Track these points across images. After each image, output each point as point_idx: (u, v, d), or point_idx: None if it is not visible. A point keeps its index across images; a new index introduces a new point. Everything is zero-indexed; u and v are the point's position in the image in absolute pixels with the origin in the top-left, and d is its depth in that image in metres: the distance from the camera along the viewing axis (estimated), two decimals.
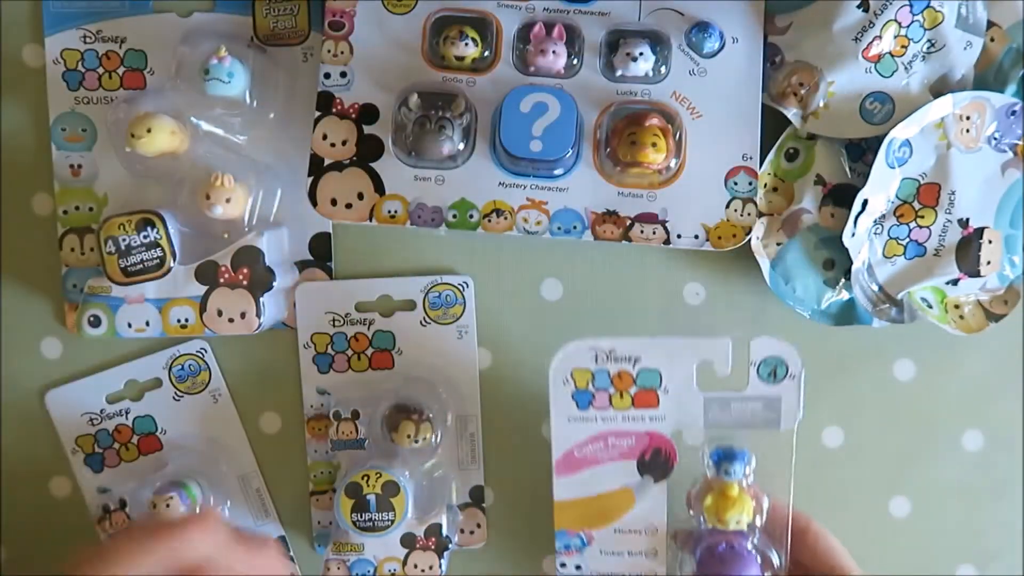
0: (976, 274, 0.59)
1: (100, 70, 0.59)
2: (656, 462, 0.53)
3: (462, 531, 0.62)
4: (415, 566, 0.59)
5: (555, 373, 0.52)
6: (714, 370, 0.51)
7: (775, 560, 0.54)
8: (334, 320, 0.61)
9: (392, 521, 0.57)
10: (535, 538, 0.63)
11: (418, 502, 0.58)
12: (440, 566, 0.59)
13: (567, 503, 0.54)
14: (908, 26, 0.56)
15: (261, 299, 0.58)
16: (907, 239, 0.59)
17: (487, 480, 0.63)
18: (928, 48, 0.57)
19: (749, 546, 0.54)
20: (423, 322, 0.61)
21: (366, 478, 0.57)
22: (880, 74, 0.56)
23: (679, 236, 0.56)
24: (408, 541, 0.59)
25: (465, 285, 0.61)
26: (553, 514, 0.54)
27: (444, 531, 0.59)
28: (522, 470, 0.63)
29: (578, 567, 0.55)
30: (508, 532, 0.63)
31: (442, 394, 0.61)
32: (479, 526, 0.62)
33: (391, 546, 0.59)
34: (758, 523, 0.54)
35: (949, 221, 0.58)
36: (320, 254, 0.61)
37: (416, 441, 0.58)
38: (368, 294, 0.61)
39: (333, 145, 0.56)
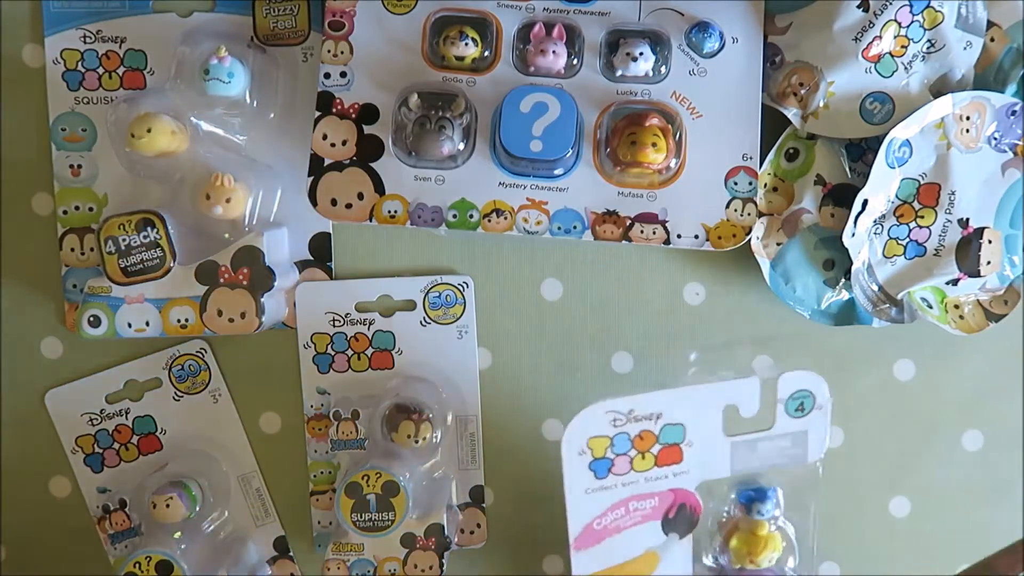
0: (976, 274, 0.59)
1: (100, 70, 0.59)
2: (681, 518, 0.51)
3: (462, 531, 0.62)
4: (415, 566, 0.59)
5: (569, 444, 0.48)
6: (740, 413, 0.49)
7: None
8: (334, 320, 0.61)
9: (392, 521, 0.57)
10: (535, 538, 0.63)
11: (418, 502, 0.58)
12: (440, 566, 0.59)
13: None
14: (908, 26, 0.56)
15: (261, 299, 0.58)
16: (907, 239, 0.59)
17: (487, 480, 0.63)
18: (928, 48, 0.57)
19: None
20: (423, 322, 0.61)
21: (366, 478, 0.57)
22: (880, 74, 0.56)
23: (679, 236, 0.56)
24: (408, 541, 0.59)
25: (465, 285, 0.61)
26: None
27: (444, 531, 0.59)
28: (522, 470, 0.63)
29: None
30: (508, 532, 0.63)
31: (442, 394, 0.61)
32: (479, 526, 0.62)
33: (391, 546, 0.59)
34: (790, 563, 0.53)
35: (949, 221, 0.58)
36: (320, 254, 0.61)
37: (416, 441, 0.58)
38: (368, 294, 0.61)
39: (333, 145, 0.56)
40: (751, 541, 0.52)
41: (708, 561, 0.54)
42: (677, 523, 0.51)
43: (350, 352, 0.61)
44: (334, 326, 0.61)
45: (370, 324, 0.61)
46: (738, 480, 0.52)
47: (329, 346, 0.61)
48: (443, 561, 0.59)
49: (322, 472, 0.62)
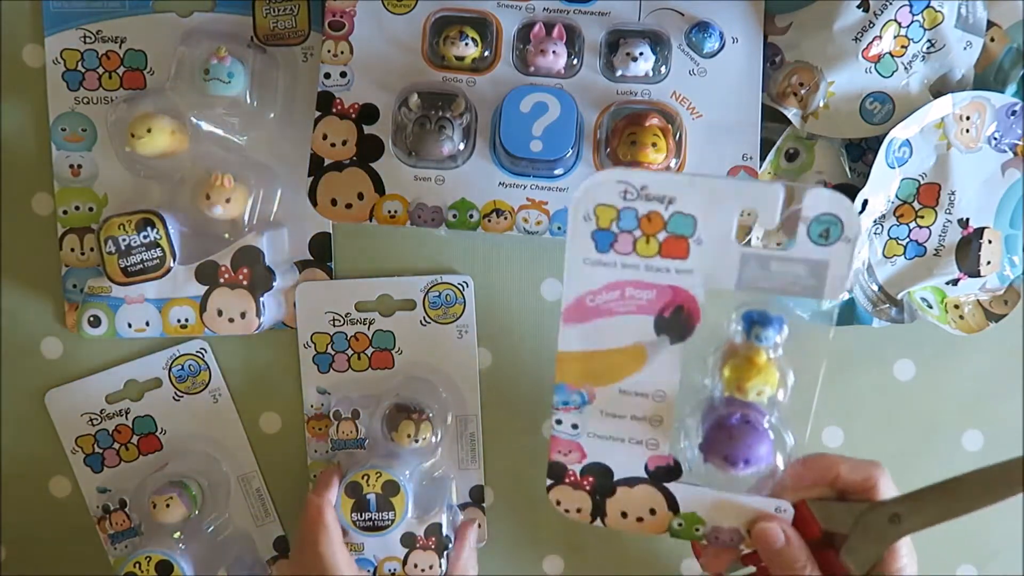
0: (976, 274, 0.59)
1: (100, 70, 0.59)
2: (677, 321, 0.47)
3: None
4: (415, 565, 0.59)
5: (576, 207, 0.45)
6: (757, 221, 0.45)
7: (789, 442, 0.49)
8: (334, 320, 0.61)
9: (392, 520, 0.57)
10: (535, 538, 0.63)
11: (418, 501, 0.58)
12: (440, 565, 0.59)
13: (571, 355, 0.48)
14: (908, 26, 0.56)
15: (261, 299, 0.58)
16: (907, 239, 0.59)
17: (487, 480, 0.63)
18: (928, 48, 0.57)
19: (765, 423, 0.49)
20: (423, 322, 0.61)
21: (366, 477, 0.57)
22: (880, 74, 0.56)
23: None
24: (408, 540, 0.59)
25: (465, 285, 0.61)
26: (555, 374, 0.49)
27: (444, 531, 0.59)
28: (522, 470, 0.63)
29: (575, 426, 0.50)
30: (508, 532, 0.63)
31: (442, 394, 0.61)
32: (479, 526, 0.62)
33: (391, 545, 0.59)
34: (780, 398, 0.49)
35: (949, 221, 0.58)
36: (320, 254, 0.61)
37: (416, 441, 0.58)
38: (368, 294, 0.61)
39: (333, 145, 0.56)
40: (743, 367, 0.48)
41: (699, 380, 0.50)
42: (672, 325, 0.47)
43: (350, 352, 0.61)
44: (334, 326, 0.61)
45: (370, 324, 0.61)
46: (742, 302, 0.48)
47: (329, 346, 0.61)
48: (443, 561, 0.59)
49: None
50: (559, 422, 0.49)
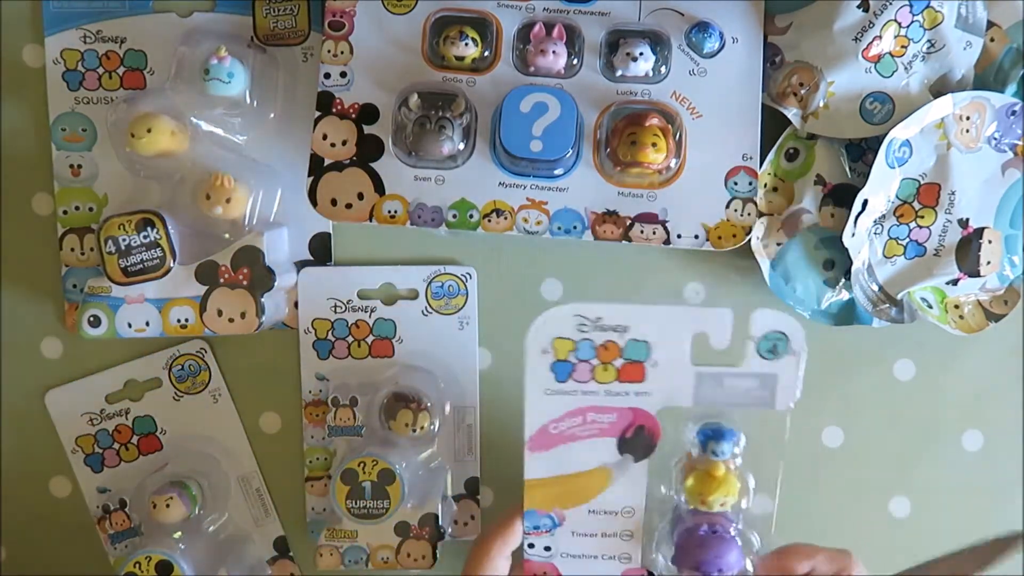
0: (976, 274, 0.59)
1: (100, 70, 0.59)
2: (638, 441, 0.49)
3: (456, 522, 0.62)
4: (408, 555, 0.59)
5: (533, 341, 0.47)
6: (710, 343, 0.47)
7: (756, 544, 0.52)
8: (336, 306, 0.61)
9: (387, 509, 0.57)
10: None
11: (413, 491, 0.58)
12: (433, 556, 0.59)
13: (538, 482, 0.50)
14: (908, 26, 0.56)
15: (261, 299, 0.58)
16: (907, 239, 0.59)
17: (486, 479, 0.63)
18: (928, 48, 0.57)
19: (732, 530, 0.51)
20: (425, 312, 0.61)
21: (362, 465, 0.57)
22: (880, 74, 0.56)
23: (679, 236, 0.56)
24: (402, 529, 0.59)
25: (468, 276, 0.61)
26: (523, 502, 0.51)
27: (439, 521, 0.59)
28: (520, 469, 0.62)
29: (547, 548, 0.51)
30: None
31: (441, 384, 0.61)
32: (473, 518, 0.63)
33: (385, 534, 0.59)
34: (744, 506, 0.51)
35: (949, 221, 0.58)
36: (320, 254, 0.61)
37: (414, 430, 0.58)
38: (371, 282, 0.61)
39: (333, 145, 0.56)
40: (704, 481, 0.50)
41: (665, 493, 0.53)
42: (634, 444, 0.49)
43: (350, 339, 0.61)
44: (335, 312, 0.61)
45: (371, 312, 0.61)
46: (701, 415, 0.50)
47: (329, 332, 0.61)
48: (436, 551, 0.59)
49: (318, 458, 0.62)
50: (531, 546, 0.51)
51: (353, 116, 0.56)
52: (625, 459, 0.50)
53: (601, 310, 0.46)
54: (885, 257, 0.59)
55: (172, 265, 0.57)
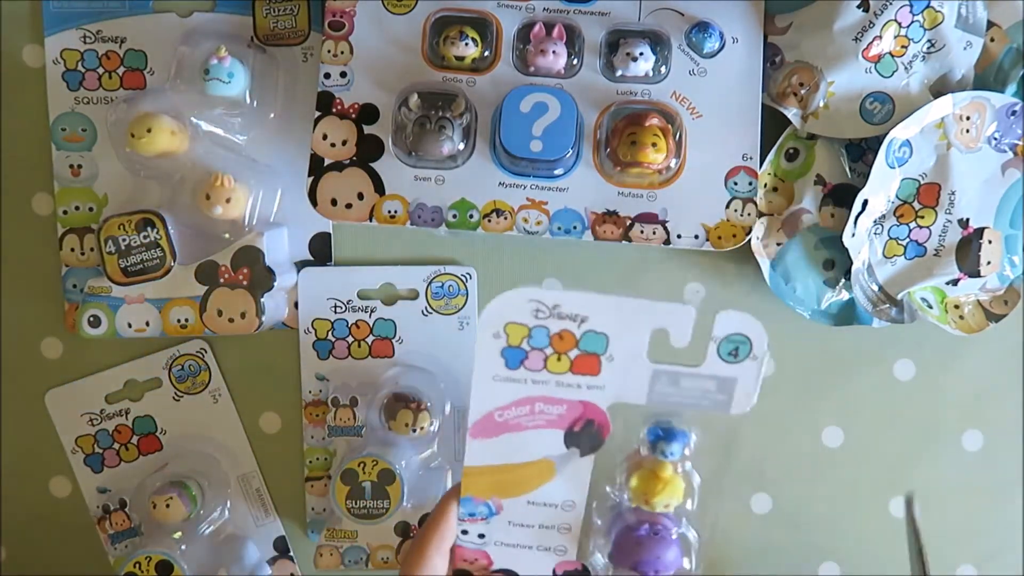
0: (976, 274, 0.59)
1: (100, 70, 0.59)
2: (586, 435, 0.47)
3: None
4: None
5: (485, 324, 0.44)
6: (670, 340, 0.45)
7: (694, 542, 0.51)
8: (336, 306, 0.61)
9: (387, 509, 0.57)
10: None
11: (413, 491, 0.58)
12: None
13: (478, 469, 0.48)
14: (908, 26, 0.56)
15: (261, 299, 0.58)
16: (907, 239, 0.59)
17: None
18: (928, 48, 0.57)
19: (674, 533, 0.50)
20: (425, 312, 0.61)
21: (362, 465, 0.57)
22: (880, 74, 0.56)
23: (679, 236, 0.56)
24: (402, 529, 0.59)
25: (468, 276, 0.61)
26: (460, 487, 0.49)
27: None
28: None
29: (481, 535, 0.50)
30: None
31: (441, 384, 0.61)
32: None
33: (385, 534, 0.59)
34: (688, 507, 0.50)
35: (949, 221, 0.58)
36: (320, 254, 0.61)
37: (414, 430, 0.58)
38: (371, 282, 0.61)
39: (333, 145, 0.56)
40: (650, 480, 0.49)
41: (608, 490, 0.52)
42: (581, 438, 0.47)
43: (351, 339, 0.61)
44: (335, 312, 0.61)
45: (372, 312, 0.61)
46: (652, 413, 0.49)
47: (330, 332, 0.61)
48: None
49: (318, 458, 0.62)
50: (464, 532, 0.49)
51: (353, 116, 0.56)
52: (571, 453, 0.48)
53: (559, 297, 0.44)
54: (885, 257, 0.59)
55: (172, 265, 0.57)
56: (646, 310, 0.44)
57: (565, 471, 0.48)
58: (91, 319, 0.58)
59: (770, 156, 0.58)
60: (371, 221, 0.56)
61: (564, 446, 0.48)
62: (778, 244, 0.59)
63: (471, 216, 0.56)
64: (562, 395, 0.46)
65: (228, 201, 0.56)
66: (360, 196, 0.56)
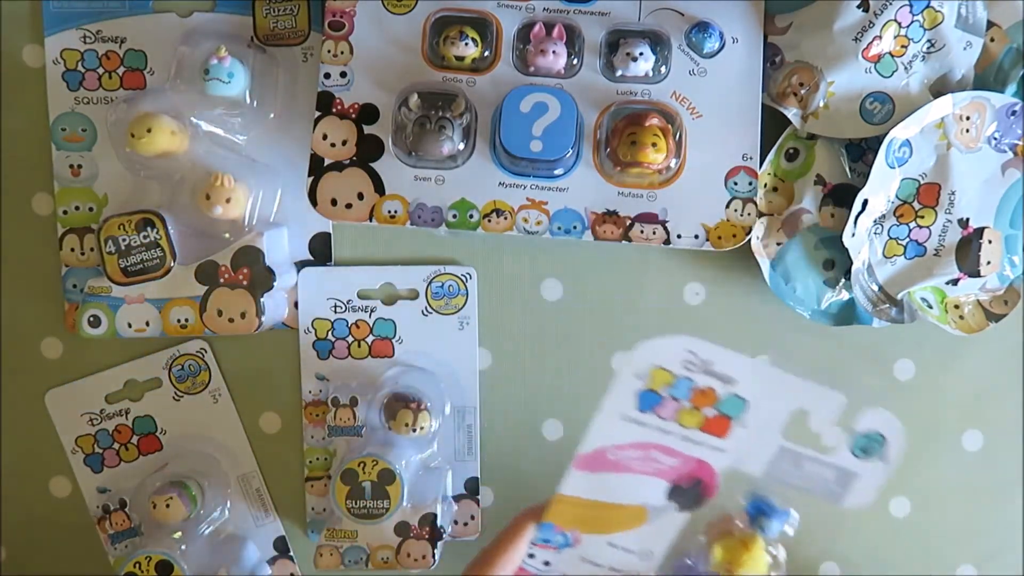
0: (976, 274, 0.59)
1: (100, 70, 0.59)
2: (691, 493, 0.47)
3: (456, 522, 0.62)
4: (408, 555, 0.59)
5: (631, 363, 0.44)
6: (807, 422, 0.45)
7: None
8: (336, 306, 0.61)
9: (387, 509, 0.57)
10: None
11: (413, 491, 0.59)
12: (433, 556, 0.59)
13: (571, 499, 0.47)
14: (908, 26, 0.56)
15: (261, 299, 0.58)
16: (907, 239, 0.59)
17: (486, 479, 0.63)
18: (928, 48, 0.57)
19: None
20: (425, 312, 0.61)
21: (362, 465, 0.57)
22: (880, 74, 0.56)
23: (679, 236, 0.56)
24: (402, 529, 0.59)
25: (468, 276, 0.61)
26: (545, 512, 0.49)
27: (438, 521, 0.59)
28: (521, 470, 0.63)
29: (547, 563, 0.49)
30: (503, 527, 0.63)
31: (441, 384, 0.61)
32: (473, 518, 0.63)
33: (385, 534, 0.59)
34: None
35: (949, 221, 0.58)
36: (320, 254, 0.61)
37: (414, 430, 0.58)
38: (371, 281, 0.61)
39: (333, 145, 0.56)
40: (737, 551, 0.48)
41: (688, 546, 0.51)
42: (685, 496, 0.47)
43: (350, 339, 0.61)
44: (335, 312, 0.61)
45: (371, 312, 0.61)
46: (760, 485, 0.48)
47: (330, 332, 0.61)
48: (436, 551, 0.59)
49: (318, 458, 0.62)
50: (532, 556, 0.49)
51: (353, 116, 0.56)
52: (668, 506, 0.47)
53: (716, 354, 0.43)
54: (885, 257, 0.59)
55: (172, 265, 0.57)
56: (796, 388, 0.44)
57: (656, 522, 0.48)
58: (91, 319, 0.58)
59: (770, 156, 0.58)
60: (371, 221, 0.56)
61: (664, 498, 0.47)
62: (778, 244, 0.59)
63: (471, 216, 0.56)
64: (681, 448, 0.46)
65: (228, 201, 0.56)
66: (360, 196, 0.56)
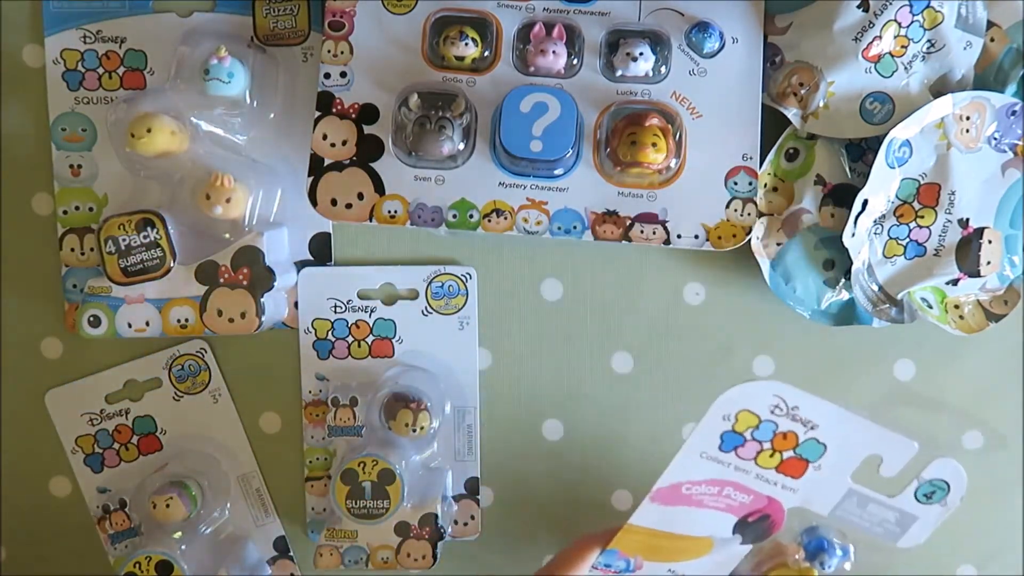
0: (976, 274, 0.59)
1: (100, 70, 0.59)
2: (758, 528, 0.48)
3: (456, 522, 0.62)
4: (408, 555, 0.59)
5: (721, 405, 0.45)
6: (879, 467, 0.46)
7: None
8: (336, 306, 0.61)
9: (387, 509, 0.57)
10: (532, 536, 0.63)
11: (413, 491, 0.59)
12: (433, 556, 0.59)
13: (640, 530, 0.48)
14: (908, 26, 0.56)
15: (261, 299, 0.58)
16: (907, 239, 0.59)
17: (486, 479, 0.63)
18: (928, 48, 0.57)
19: None
20: (425, 312, 0.61)
21: (362, 465, 0.57)
22: (880, 74, 0.56)
23: (679, 236, 0.56)
24: (402, 530, 0.59)
25: (468, 276, 0.61)
26: (615, 533, 0.49)
27: (438, 521, 0.59)
28: (521, 470, 0.63)
29: None
30: (503, 527, 0.63)
31: (441, 384, 0.61)
32: (473, 518, 0.63)
33: (385, 534, 0.59)
34: None
35: (949, 221, 0.58)
36: (320, 254, 0.61)
37: (414, 430, 0.58)
38: (371, 282, 0.61)
39: (333, 145, 0.56)
40: None
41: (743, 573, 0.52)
42: (751, 529, 0.48)
43: (350, 339, 0.61)
44: (335, 312, 0.61)
45: (371, 312, 0.61)
46: (823, 523, 0.50)
47: (329, 332, 0.61)
48: (436, 551, 0.59)
49: (318, 458, 0.62)
50: None
51: (353, 116, 0.56)
52: (734, 539, 0.49)
53: (802, 400, 0.44)
54: (885, 257, 0.59)
55: (172, 265, 0.57)
56: (874, 435, 0.45)
57: (720, 553, 0.49)
58: (91, 319, 0.58)
59: (770, 156, 0.58)
60: (371, 221, 0.56)
61: (731, 531, 0.48)
62: (778, 244, 0.59)
63: (471, 216, 0.56)
64: (755, 487, 0.47)
65: (228, 201, 0.56)
66: (360, 196, 0.56)
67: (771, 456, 0.46)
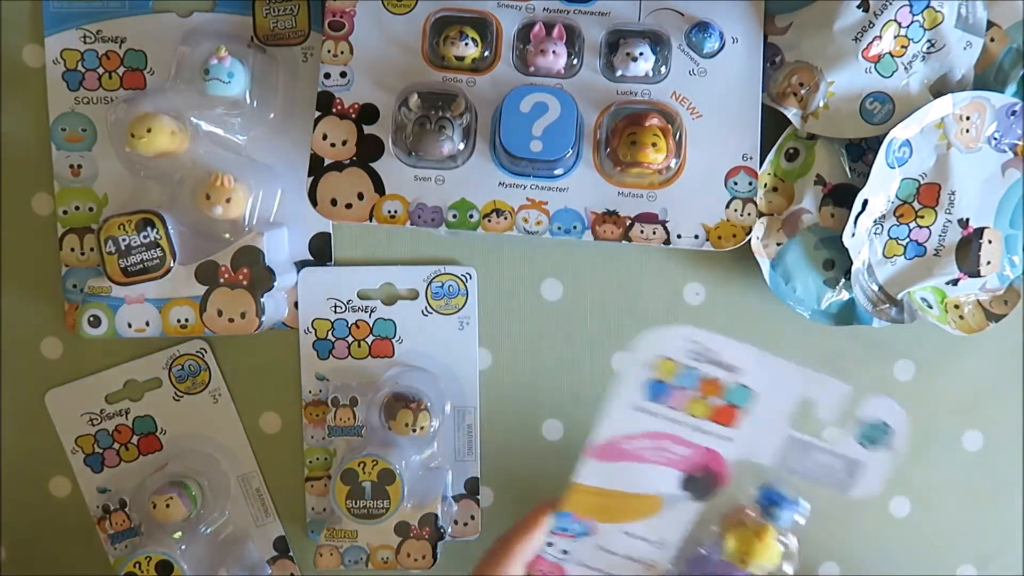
0: (976, 274, 0.59)
1: (100, 70, 0.59)
2: (704, 484, 0.48)
3: (456, 522, 0.62)
4: (408, 555, 0.59)
5: (638, 353, 0.45)
6: (814, 411, 0.46)
7: None
8: (336, 306, 0.61)
9: (387, 509, 0.57)
10: None
11: (413, 491, 0.59)
12: (433, 556, 0.59)
13: (587, 488, 0.49)
14: (908, 26, 0.56)
15: (261, 299, 0.58)
16: (907, 239, 0.59)
17: (486, 479, 0.63)
18: (928, 48, 0.57)
19: None
20: (425, 312, 0.61)
21: (362, 465, 0.57)
22: (880, 74, 0.56)
23: (679, 236, 0.56)
24: (402, 529, 0.59)
25: (468, 276, 0.61)
26: (562, 502, 0.49)
27: (438, 521, 0.59)
28: (521, 470, 0.63)
29: (565, 551, 0.50)
30: (503, 527, 0.63)
31: (441, 384, 0.61)
32: (473, 518, 0.63)
33: (385, 534, 0.59)
34: (785, 570, 0.51)
35: (949, 221, 0.58)
36: (320, 254, 0.61)
37: (414, 430, 0.58)
38: (371, 281, 0.61)
39: (333, 145, 0.56)
40: (749, 542, 0.49)
41: (701, 536, 0.52)
42: (698, 485, 0.48)
43: (350, 339, 0.61)
44: (335, 312, 0.61)
45: (371, 312, 0.61)
46: (770, 476, 0.49)
47: (330, 332, 0.61)
48: (436, 551, 0.59)
49: (318, 458, 0.62)
50: (550, 544, 0.50)
51: (353, 116, 0.56)
52: (682, 496, 0.49)
53: (722, 344, 0.45)
54: (885, 257, 0.59)
55: (172, 265, 0.57)
56: (802, 377, 0.46)
57: (670, 511, 0.49)
58: (91, 319, 0.58)
59: (770, 156, 0.58)
60: (371, 221, 0.56)
61: (678, 487, 0.49)
62: (778, 244, 0.59)
63: (471, 216, 0.56)
64: (693, 439, 0.47)
65: (228, 201, 0.56)
66: (360, 196, 0.56)
67: (700, 404, 0.46)
